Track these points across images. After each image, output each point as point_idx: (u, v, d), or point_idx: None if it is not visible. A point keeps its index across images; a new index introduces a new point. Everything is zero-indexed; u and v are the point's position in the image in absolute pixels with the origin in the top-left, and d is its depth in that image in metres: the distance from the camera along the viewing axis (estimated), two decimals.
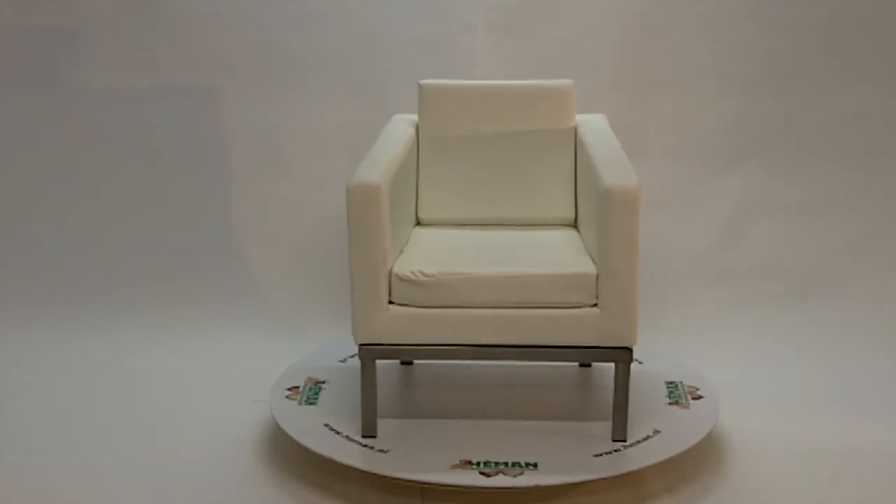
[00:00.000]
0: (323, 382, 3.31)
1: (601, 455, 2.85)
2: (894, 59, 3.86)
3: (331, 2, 3.90)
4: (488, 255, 3.02)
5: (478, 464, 2.82)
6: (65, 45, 3.93)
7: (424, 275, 2.87)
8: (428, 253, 3.06)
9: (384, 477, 2.81)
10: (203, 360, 3.72)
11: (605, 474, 2.79)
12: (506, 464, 2.82)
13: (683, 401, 3.12)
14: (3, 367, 3.66)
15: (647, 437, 2.93)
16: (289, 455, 3.08)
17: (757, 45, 3.87)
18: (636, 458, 2.84)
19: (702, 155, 3.96)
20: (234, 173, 4.02)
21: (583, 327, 2.85)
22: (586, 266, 2.88)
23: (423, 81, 3.40)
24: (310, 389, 3.26)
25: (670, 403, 3.11)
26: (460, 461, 2.84)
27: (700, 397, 3.14)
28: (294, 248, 3.94)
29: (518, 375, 3.32)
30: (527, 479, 2.75)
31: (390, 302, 2.90)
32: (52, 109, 3.97)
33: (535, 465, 2.81)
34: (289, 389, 3.26)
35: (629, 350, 2.87)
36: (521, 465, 2.81)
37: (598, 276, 2.84)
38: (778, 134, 3.94)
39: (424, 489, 2.89)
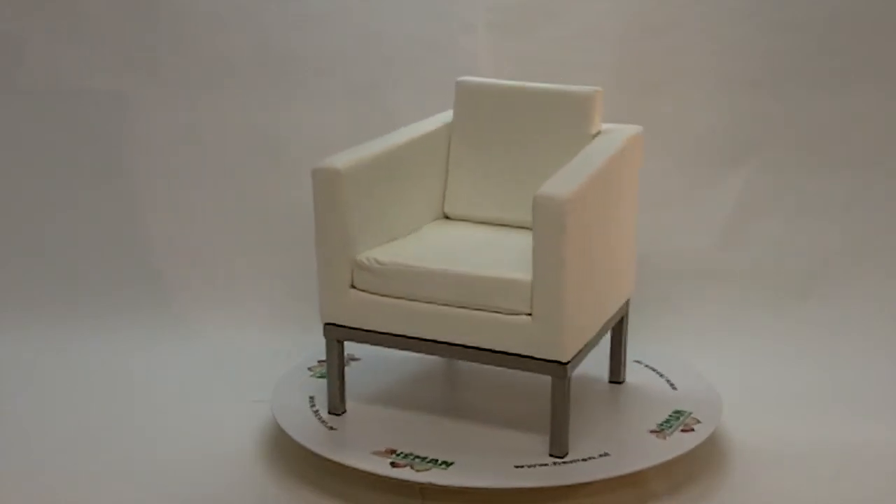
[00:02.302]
0: (356, 360, 3.41)
1: (522, 467, 2.82)
2: (894, 59, 3.86)
3: (331, 2, 3.90)
4: (460, 253, 3.02)
5: (399, 454, 2.87)
6: (65, 45, 3.93)
7: (378, 263, 2.95)
8: (411, 245, 3.09)
9: (383, 477, 2.82)
10: (203, 361, 3.72)
11: (496, 485, 2.76)
12: (423, 458, 2.85)
13: (668, 430, 3.01)
14: (3, 367, 3.66)
15: (588, 459, 2.86)
16: (289, 456, 3.09)
17: (757, 45, 3.87)
18: (550, 475, 2.79)
19: (702, 155, 3.96)
20: (235, 173, 4.02)
21: (515, 335, 2.83)
22: (523, 273, 2.83)
23: (459, 79, 3.37)
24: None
25: (652, 431, 3.01)
26: (386, 449, 2.90)
27: (691, 430, 3.01)
28: (295, 247, 3.94)
29: (542, 385, 3.28)
30: (425, 476, 2.77)
31: (353, 286, 2.98)
32: (52, 109, 3.97)
33: (448, 465, 2.82)
34: (319, 362, 3.35)
35: (562, 365, 2.81)
36: (435, 462, 2.83)
37: (532, 284, 2.80)
38: (778, 134, 3.94)
39: (424, 489, 2.90)
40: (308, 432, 3.01)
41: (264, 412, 3.27)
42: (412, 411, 3.13)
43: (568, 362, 2.81)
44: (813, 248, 3.92)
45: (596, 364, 3.31)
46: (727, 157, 3.96)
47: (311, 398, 3.18)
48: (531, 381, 3.26)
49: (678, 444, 2.93)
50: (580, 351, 2.89)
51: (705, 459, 3.07)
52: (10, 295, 3.94)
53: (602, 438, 2.97)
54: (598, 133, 3.22)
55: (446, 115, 3.42)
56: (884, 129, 3.91)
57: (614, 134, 3.17)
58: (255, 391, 3.42)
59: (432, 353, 2.98)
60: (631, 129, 3.20)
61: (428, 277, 2.90)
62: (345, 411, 3.12)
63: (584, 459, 2.86)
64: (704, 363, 3.51)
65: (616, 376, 3.31)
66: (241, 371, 3.64)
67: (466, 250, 3.05)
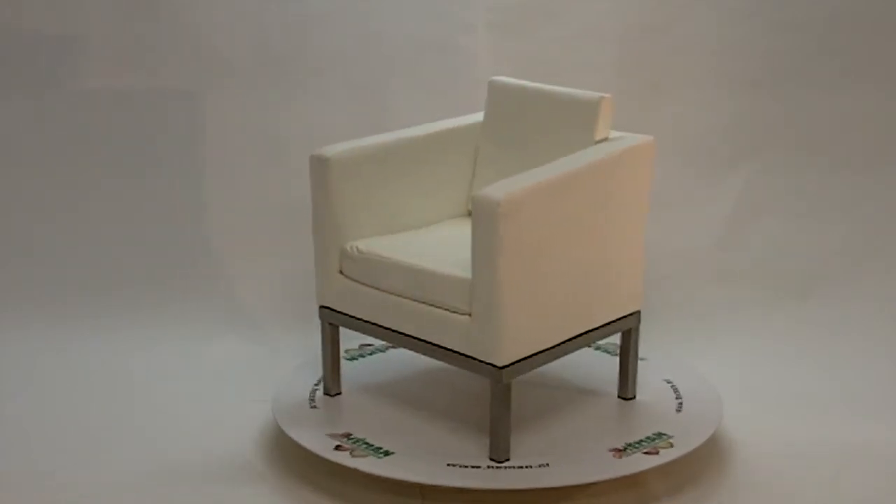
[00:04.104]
0: (394, 347, 3.48)
1: (454, 466, 2.84)
2: (894, 59, 3.86)
3: (331, 2, 3.90)
4: (441, 250, 3.02)
5: (351, 439, 2.97)
6: (65, 46, 3.93)
7: (359, 251, 3.05)
8: (405, 238, 3.14)
9: (386, 478, 2.83)
10: (203, 360, 3.71)
11: (414, 479, 2.79)
12: (369, 445, 2.93)
13: (630, 451, 2.91)
14: (3, 367, 3.65)
15: (525, 467, 2.84)
16: (289, 456, 3.09)
17: (757, 45, 3.87)
18: (473, 477, 2.79)
19: (702, 155, 3.96)
20: (235, 173, 4.01)
21: (458, 333, 2.85)
22: (464, 271, 2.83)
23: (492, 78, 3.36)
24: (374, 350, 3.49)
25: (613, 449, 2.94)
26: (343, 433, 3.00)
27: (655, 454, 2.90)
28: (295, 247, 3.94)
29: (545, 392, 3.29)
30: (356, 462, 2.85)
31: (341, 272, 3.10)
32: (53, 109, 3.96)
33: (386, 454, 2.88)
34: (363, 345, 3.53)
35: (498, 369, 2.79)
36: (376, 451, 2.90)
37: (472, 284, 2.81)
38: (778, 134, 3.94)
39: (424, 489, 2.90)
40: (288, 405, 3.15)
41: (264, 412, 3.27)
42: (399, 402, 3.19)
43: (504, 367, 2.79)
44: (813, 249, 3.93)
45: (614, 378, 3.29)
46: (727, 157, 3.96)
47: (322, 378, 3.27)
48: (539, 390, 3.28)
49: (629, 465, 2.86)
50: (525, 359, 2.84)
51: (706, 460, 3.07)
52: (10, 295, 3.93)
53: (554, 449, 2.93)
54: (603, 140, 3.11)
55: (479, 115, 3.42)
56: (884, 129, 3.91)
57: (615, 142, 3.07)
58: (256, 391, 3.42)
59: (395, 343, 3.04)
60: (636, 139, 3.08)
61: (389, 269, 2.98)
62: (339, 393, 3.23)
63: (520, 467, 2.84)
64: (704, 363, 3.51)
65: (624, 392, 3.22)
66: (241, 371, 3.64)
67: (452, 248, 3.05)
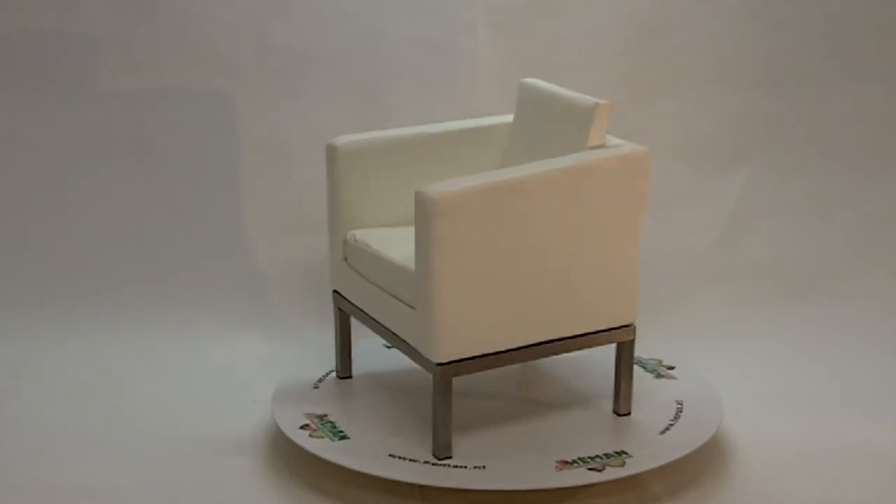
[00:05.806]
0: None
1: (393, 457, 2.87)
2: (894, 59, 3.86)
3: (331, 2, 3.90)
4: None
5: (322, 420, 3.06)
6: (65, 46, 3.92)
7: (355, 240, 3.14)
8: (402, 230, 3.15)
9: (384, 479, 2.84)
10: (203, 360, 3.71)
11: (352, 466, 2.84)
12: (333, 428, 3.02)
13: (576, 465, 2.84)
14: (3, 367, 3.65)
15: (461, 467, 2.84)
16: (288, 456, 3.09)
17: (757, 45, 3.87)
18: (400, 470, 2.82)
19: (702, 155, 3.96)
20: (235, 173, 4.01)
21: (407, 325, 2.89)
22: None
23: (522, 80, 3.34)
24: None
25: (560, 461, 2.87)
26: (320, 413, 3.10)
27: (600, 471, 2.82)
28: (296, 248, 3.94)
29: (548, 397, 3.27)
30: (308, 442, 2.94)
31: (344, 259, 3.21)
32: (53, 109, 3.96)
33: (342, 438, 2.97)
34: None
35: (437, 366, 2.79)
36: (335, 434, 2.98)
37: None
38: (778, 134, 3.94)
39: (424, 490, 2.90)
40: (294, 385, 3.27)
41: (264, 412, 3.27)
42: (398, 392, 3.23)
43: (442, 364, 2.80)
44: (813, 248, 3.93)
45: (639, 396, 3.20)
46: (727, 156, 3.96)
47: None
48: (534, 393, 3.27)
49: (564, 478, 2.80)
50: (469, 359, 2.83)
51: (706, 461, 3.07)
52: (10, 295, 3.93)
53: (501, 453, 2.91)
54: (597, 146, 2.98)
55: (502, 116, 3.43)
56: (884, 129, 3.91)
57: (601, 151, 2.95)
58: (255, 391, 3.42)
59: (375, 331, 3.10)
60: (626, 148, 2.96)
61: (367, 257, 3.07)
62: (349, 376, 3.32)
63: (456, 466, 2.85)
64: (705, 363, 3.51)
65: (616, 407, 3.12)
66: (240, 371, 3.64)
67: None
